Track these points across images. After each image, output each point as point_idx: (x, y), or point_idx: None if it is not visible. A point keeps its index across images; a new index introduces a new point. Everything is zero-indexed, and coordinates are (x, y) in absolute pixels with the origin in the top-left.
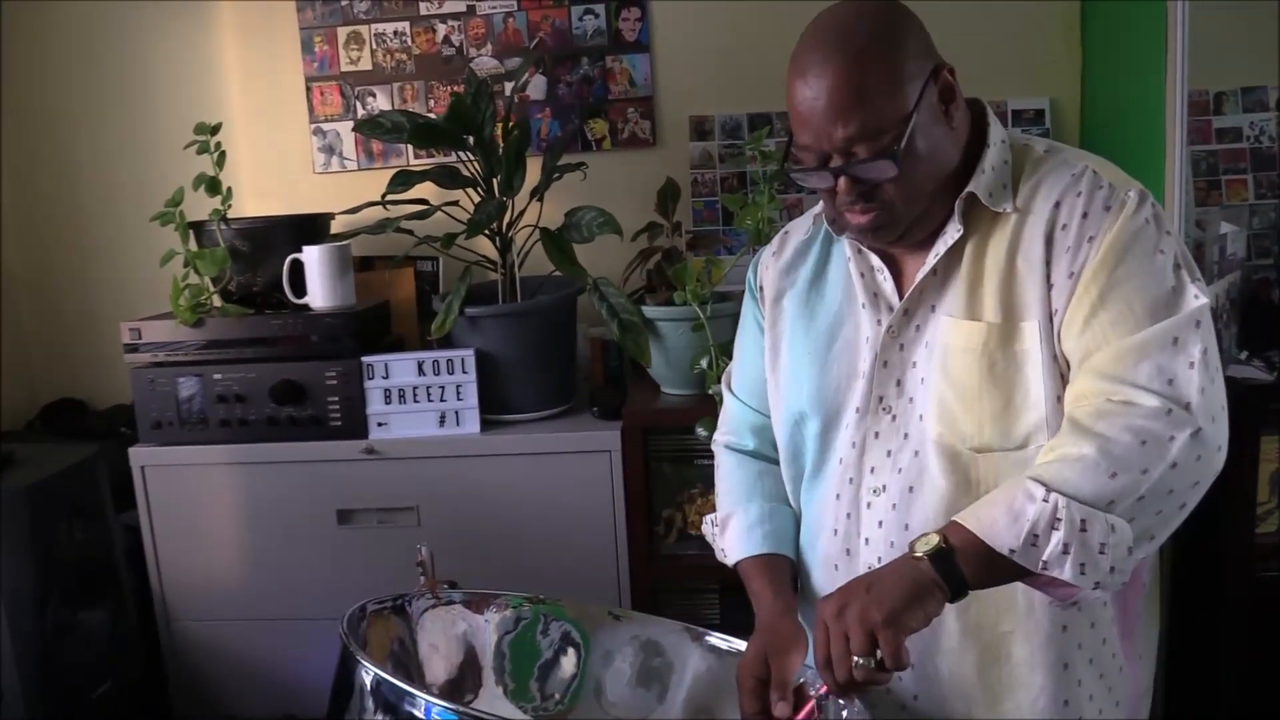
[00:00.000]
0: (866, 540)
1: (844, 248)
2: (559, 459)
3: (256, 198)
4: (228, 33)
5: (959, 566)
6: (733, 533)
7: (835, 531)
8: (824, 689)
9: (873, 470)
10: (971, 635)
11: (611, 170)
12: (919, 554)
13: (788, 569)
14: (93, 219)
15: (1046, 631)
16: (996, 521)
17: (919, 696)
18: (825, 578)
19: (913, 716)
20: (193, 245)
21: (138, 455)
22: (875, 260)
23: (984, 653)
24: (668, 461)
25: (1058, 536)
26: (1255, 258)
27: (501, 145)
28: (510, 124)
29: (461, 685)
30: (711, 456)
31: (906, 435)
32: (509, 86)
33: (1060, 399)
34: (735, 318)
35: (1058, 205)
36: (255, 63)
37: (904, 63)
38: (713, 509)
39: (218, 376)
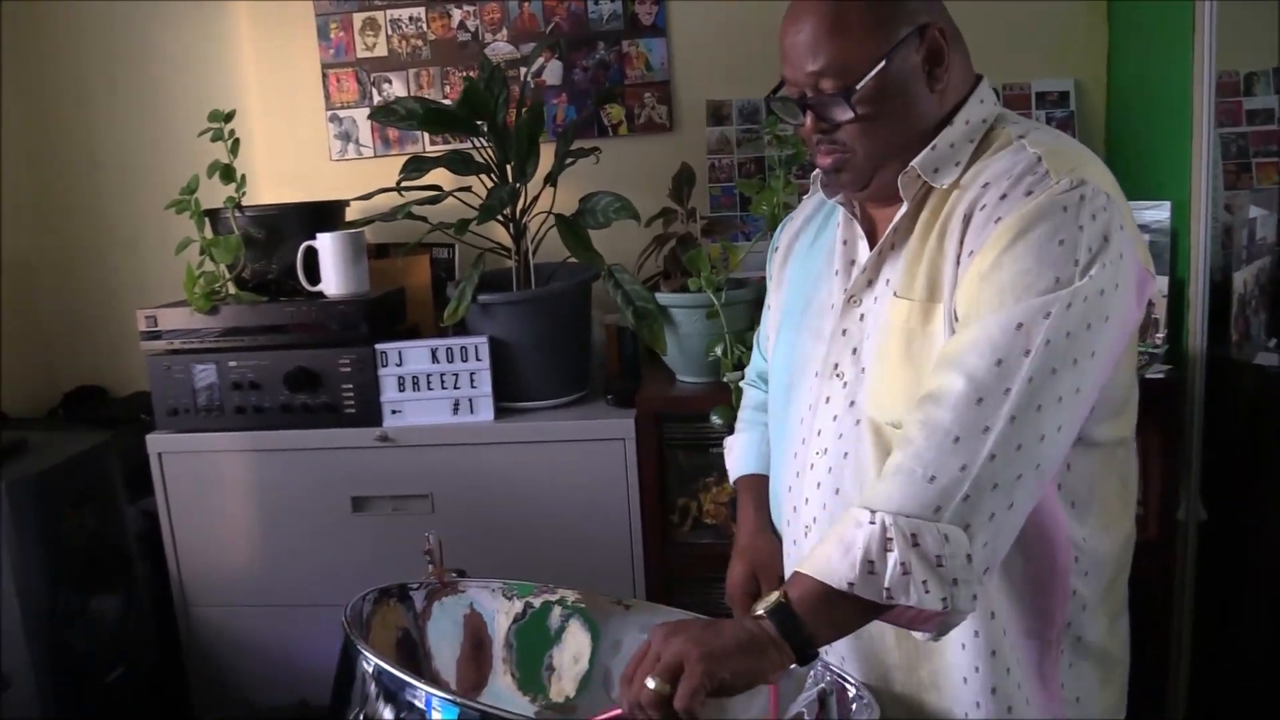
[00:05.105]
0: (806, 500)
1: (838, 215)
2: (573, 447)
3: (274, 185)
4: (244, 20)
5: (801, 621)
6: (735, 453)
7: (789, 488)
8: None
9: (819, 433)
10: None
11: (628, 156)
12: (759, 611)
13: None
14: (111, 207)
15: None
16: (830, 558)
17: (845, 659)
18: (783, 533)
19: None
20: (208, 233)
21: (155, 442)
22: (858, 229)
23: None
24: (682, 449)
25: (894, 558)
26: None
27: (515, 131)
28: (524, 109)
29: (470, 674)
30: None
31: (853, 403)
32: (524, 72)
33: None
34: (750, 304)
35: (986, 186)
36: (271, 50)
37: (888, 11)
38: (728, 498)
39: (233, 364)
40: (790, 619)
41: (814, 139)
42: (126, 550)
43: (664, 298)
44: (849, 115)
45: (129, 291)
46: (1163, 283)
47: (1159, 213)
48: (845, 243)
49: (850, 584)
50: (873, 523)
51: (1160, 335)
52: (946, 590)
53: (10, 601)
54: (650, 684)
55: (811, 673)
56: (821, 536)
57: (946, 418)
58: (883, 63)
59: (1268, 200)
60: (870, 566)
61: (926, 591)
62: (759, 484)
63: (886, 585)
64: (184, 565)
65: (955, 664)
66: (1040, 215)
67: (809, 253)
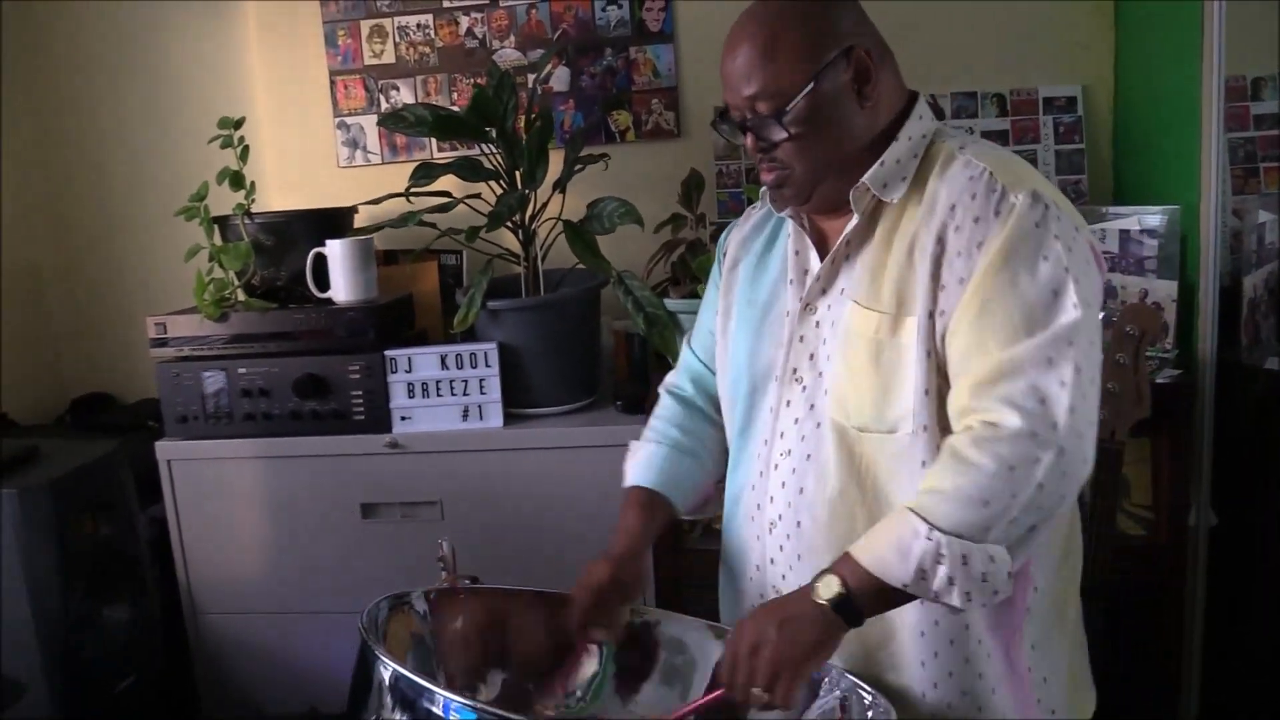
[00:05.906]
0: (771, 499)
1: (788, 226)
2: (582, 453)
3: (282, 192)
4: (252, 28)
5: (858, 607)
6: (638, 460)
7: (754, 487)
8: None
9: (782, 435)
10: None
11: (636, 162)
12: (823, 599)
13: (663, 511)
14: (120, 214)
15: None
16: (887, 561)
17: None
18: (745, 528)
19: None
20: (217, 240)
21: (164, 449)
22: (808, 240)
23: None
24: None
25: (943, 570)
26: None
27: (524, 137)
28: (533, 115)
29: (484, 682)
30: None
31: (813, 406)
32: (532, 78)
33: (928, 392)
34: None
35: (953, 207)
36: (279, 57)
37: (815, 36)
38: None
39: (242, 370)
40: (851, 607)
41: (756, 157)
42: (137, 557)
43: (673, 304)
44: (783, 135)
45: (138, 298)
46: (1172, 287)
47: (1167, 217)
48: (797, 253)
49: (905, 585)
50: (929, 538)
51: (1170, 340)
52: (986, 598)
53: (21, 609)
54: (757, 691)
55: (827, 679)
56: (875, 530)
57: (1005, 450)
58: (810, 85)
59: (1276, 204)
60: (922, 574)
61: (969, 599)
62: (653, 501)
63: (935, 589)
64: (193, 572)
65: (914, 649)
66: (1020, 237)
67: (761, 261)
